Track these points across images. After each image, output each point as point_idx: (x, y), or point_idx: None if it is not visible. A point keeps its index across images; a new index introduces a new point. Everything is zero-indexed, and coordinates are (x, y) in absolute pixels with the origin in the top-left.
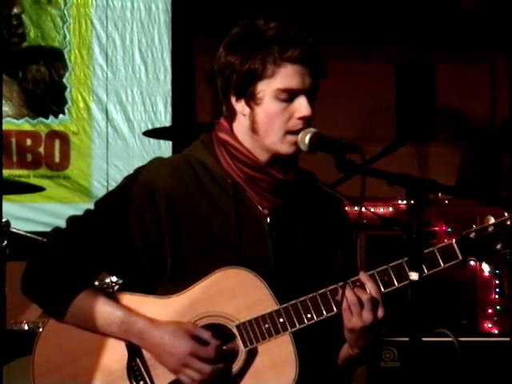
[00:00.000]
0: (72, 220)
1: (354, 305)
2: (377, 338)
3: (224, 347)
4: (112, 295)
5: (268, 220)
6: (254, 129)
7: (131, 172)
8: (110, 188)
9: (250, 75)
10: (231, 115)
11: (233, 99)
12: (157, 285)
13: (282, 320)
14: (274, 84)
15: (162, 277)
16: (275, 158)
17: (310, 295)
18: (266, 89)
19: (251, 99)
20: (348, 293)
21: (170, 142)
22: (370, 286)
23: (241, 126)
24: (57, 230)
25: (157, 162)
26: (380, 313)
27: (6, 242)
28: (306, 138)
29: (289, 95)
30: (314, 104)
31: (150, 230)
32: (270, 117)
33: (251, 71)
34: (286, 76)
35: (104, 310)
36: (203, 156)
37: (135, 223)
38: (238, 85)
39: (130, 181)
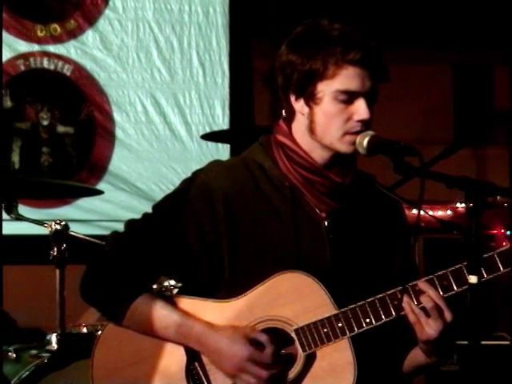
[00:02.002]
0: (130, 224)
1: (421, 316)
2: (451, 342)
3: (282, 351)
4: (170, 299)
5: (326, 223)
6: (312, 128)
7: (189, 175)
8: (168, 191)
9: (311, 75)
10: (290, 114)
11: (292, 98)
12: (215, 288)
13: (340, 324)
14: (333, 85)
15: (219, 280)
16: (334, 159)
17: (369, 300)
18: (326, 89)
19: (310, 99)
20: (412, 306)
21: (228, 145)
22: (431, 294)
23: (299, 126)
24: (115, 234)
25: (214, 164)
26: (448, 317)
27: (64, 245)
28: (364, 141)
29: (348, 97)
30: (373, 107)
31: (208, 233)
32: (329, 117)
33: (312, 71)
34: (347, 78)
35: (161, 315)
36: (261, 158)
37: (193, 226)
38: (298, 84)
39: (187, 184)
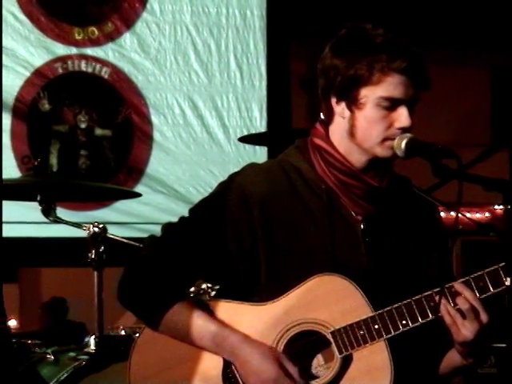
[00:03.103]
0: (167, 228)
1: (457, 318)
2: (488, 344)
3: (314, 362)
4: (206, 306)
5: (362, 226)
6: (352, 132)
7: (226, 178)
8: (206, 194)
9: (355, 80)
10: (329, 117)
11: (333, 100)
12: (252, 291)
13: (377, 326)
14: (377, 91)
15: (256, 283)
16: (371, 163)
17: (405, 301)
18: (369, 95)
19: (353, 103)
20: (448, 307)
21: (266, 148)
22: (467, 295)
23: (338, 129)
24: (152, 237)
25: (250, 168)
26: (484, 319)
27: (102, 247)
28: (402, 143)
29: (391, 104)
30: (413, 114)
31: (245, 236)
32: (370, 123)
33: (357, 76)
34: (391, 85)
35: (197, 324)
36: (297, 161)
37: (230, 230)
38: (341, 87)
39: (223, 187)
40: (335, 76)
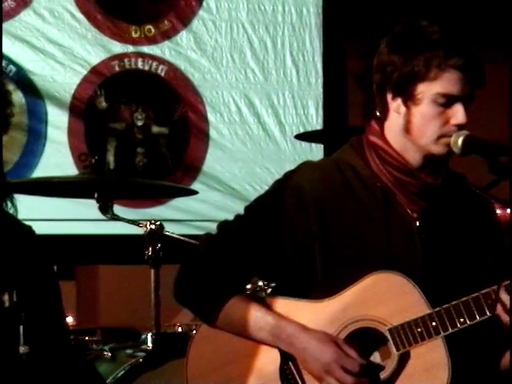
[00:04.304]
0: (223, 225)
1: None
2: None
3: (371, 359)
4: (263, 301)
5: (417, 223)
6: (407, 129)
7: (281, 176)
8: (262, 191)
9: (412, 75)
10: (384, 113)
11: (389, 96)
12: (308, 289)
13: (434, 324)
14: (434, 87)
15: (312, 281)
16: (427, 160)
17: (463, 299)
18: (426, 91)
19: (409, 99)
20: (505, 305)
21: (322, 145)
22: None
23: (393, 126)
24: (208, 235)
25: (306, 166)
26: None
27: (159, 245)
28: (458, 140)
29: (447, 100)
30: (469, 112)
31: (300, 235)
32: (426, 119)
33: (414, 72)
34: (448, 81)
35: (254, 316)
36: (353, 159)
37: (284, 228)
38: (397, 83)
39: (279, 186)
40: (392, 72)
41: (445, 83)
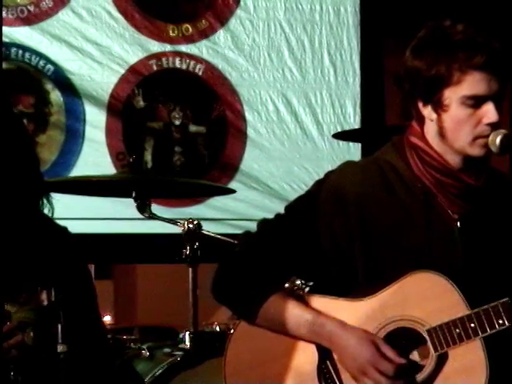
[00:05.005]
0: (263, 224)
1: None
2: None
3: (409, 358)
4: (302, 298)
5: (458, 225)
6: (442, 134)
7: (320, 175)
8: (300, 191)
9: (437, 81)
10: (419, 119)
11: (420, 104)
12: (347, 288)
13: (473, 325)
14: (460, 91)
15: (351, 281)
16: (466, 162)
17: (502, 300)
18: (453, 95)
19: (438, 105)
20: None
21: (360, 145)
22: None
23: (429, 130)
24: (247, 233)
25: (347, 166)
26: None
27: (197, 243)
28: (496, 139)
29: (476, 101)
30: (502, 108)
31: (340, 236)
32: (458, 123)
33: (437, 77)
34: (473, 83)
35: (294, 313)
36: (394, 159)
37: (325, 229)
38: (424, 90)
39: (319, 186)
40: (418, 79)
41: (469, 85)
